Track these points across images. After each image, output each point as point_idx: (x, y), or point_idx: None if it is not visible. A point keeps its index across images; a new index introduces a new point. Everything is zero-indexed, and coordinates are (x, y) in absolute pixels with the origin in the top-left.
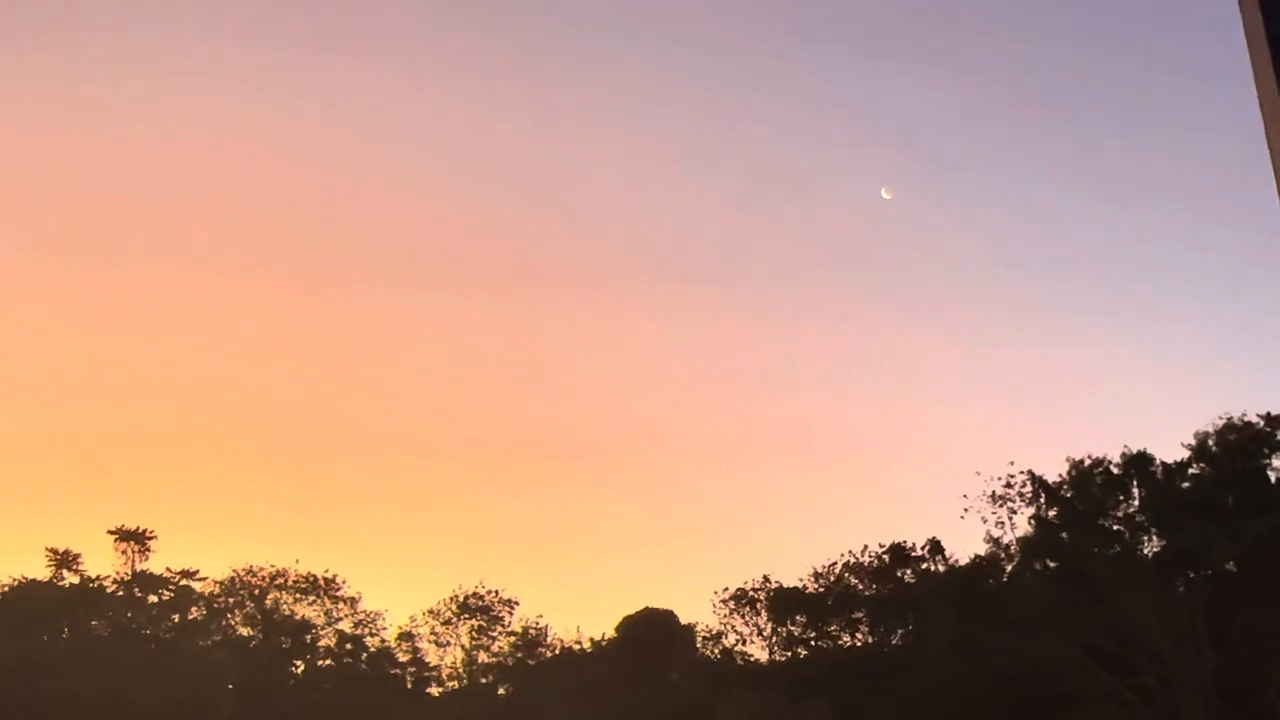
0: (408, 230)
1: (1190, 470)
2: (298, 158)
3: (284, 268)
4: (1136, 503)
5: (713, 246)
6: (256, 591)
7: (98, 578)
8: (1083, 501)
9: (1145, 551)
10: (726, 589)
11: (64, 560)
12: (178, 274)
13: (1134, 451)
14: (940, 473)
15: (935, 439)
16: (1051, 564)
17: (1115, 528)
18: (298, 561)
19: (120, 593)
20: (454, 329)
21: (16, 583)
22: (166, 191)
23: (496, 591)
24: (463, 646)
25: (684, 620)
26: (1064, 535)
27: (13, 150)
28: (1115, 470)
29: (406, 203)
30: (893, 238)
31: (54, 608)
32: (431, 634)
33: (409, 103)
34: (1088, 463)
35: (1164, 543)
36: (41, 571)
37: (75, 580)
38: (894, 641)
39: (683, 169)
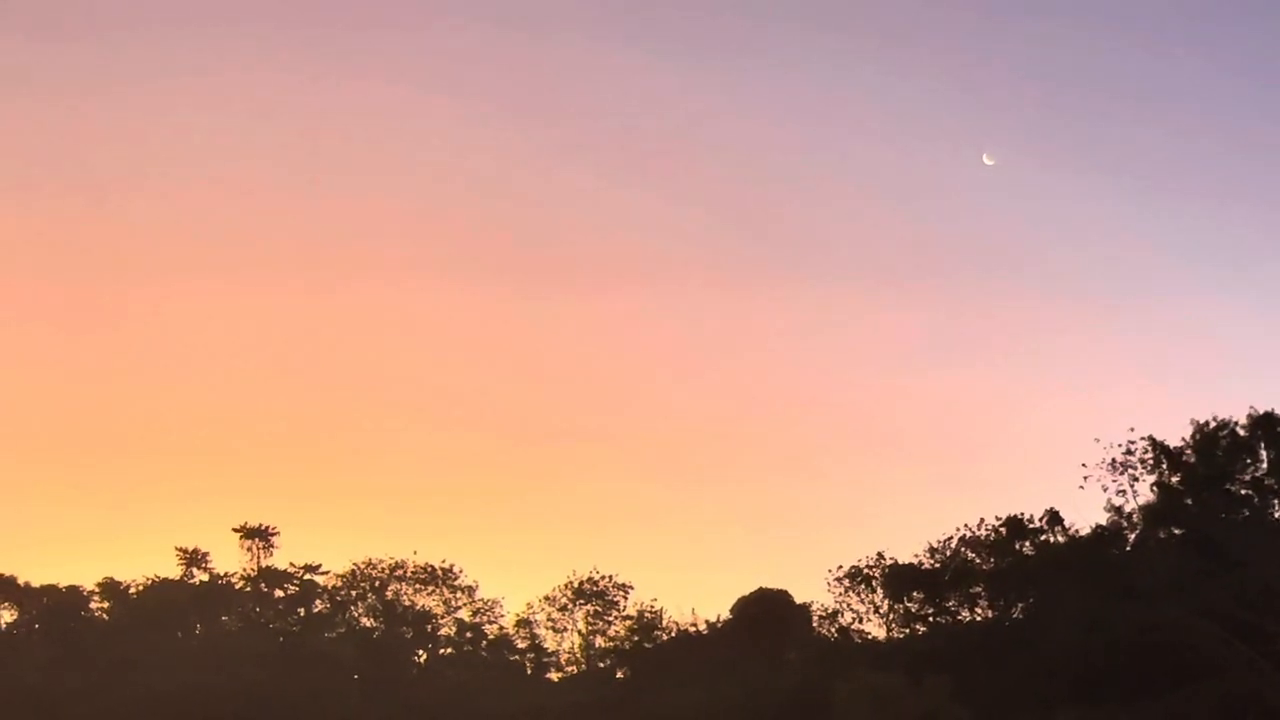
0: (533, 230)
1: None
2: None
3: (412, 269)
4: (1265, 465)
5: (833, 233)
6: (377, 583)
7: (225, 575)
8: (1208, 466)
9: (1276, 515)
10: (840, 567)
11: (193, 559)
12: (302, 279)
13: (1261, 412)
14: (1056, 442)
15: (1051, 408)
16: (1177, 531)
17: (1243, 492)
18: (415, 552)
19: (247, 589)
20: (578, 323)
21: (150, 582)
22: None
23: (610, 576)
24: (579, 632)
25: (799, 599)
26: (1189, 501)
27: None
28: (1241, 432)
29: (522, 205)
30: (998, 205)
31: (185, 605)
32: (548, 620)
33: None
34: (1212, 425)
35: None
36: (172, 570)
37: (204, 578)
38: (1014, 615)
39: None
